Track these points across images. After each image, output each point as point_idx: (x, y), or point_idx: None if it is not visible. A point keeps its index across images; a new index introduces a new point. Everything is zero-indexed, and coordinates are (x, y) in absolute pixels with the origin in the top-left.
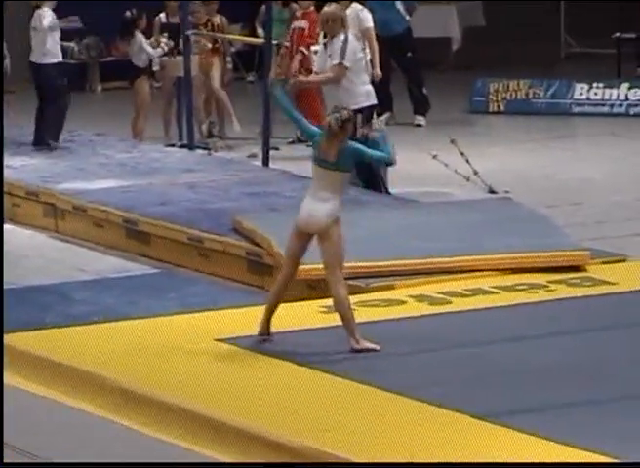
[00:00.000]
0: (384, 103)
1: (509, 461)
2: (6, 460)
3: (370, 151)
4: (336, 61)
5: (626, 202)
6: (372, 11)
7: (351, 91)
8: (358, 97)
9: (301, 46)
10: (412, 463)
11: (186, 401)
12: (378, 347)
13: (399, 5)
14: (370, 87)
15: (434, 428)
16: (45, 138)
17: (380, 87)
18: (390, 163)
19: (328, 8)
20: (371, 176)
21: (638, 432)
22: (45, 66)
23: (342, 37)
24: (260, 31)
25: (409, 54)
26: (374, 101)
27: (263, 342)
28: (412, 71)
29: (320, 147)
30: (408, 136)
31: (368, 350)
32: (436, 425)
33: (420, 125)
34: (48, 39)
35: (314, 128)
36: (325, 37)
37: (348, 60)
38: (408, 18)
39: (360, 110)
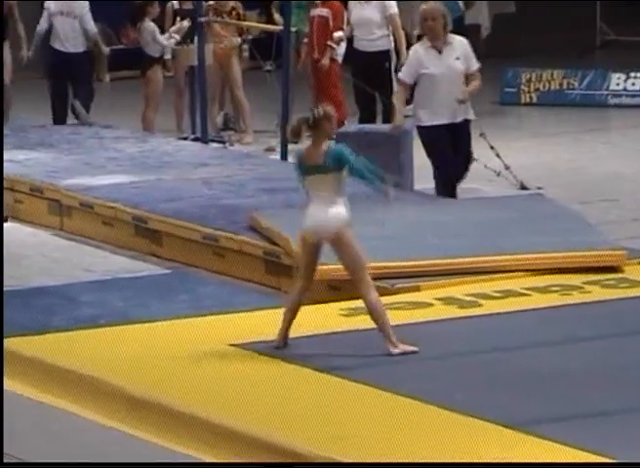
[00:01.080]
0: None
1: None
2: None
3: (353, 160)
4: (476, 67)
5: None
6: None
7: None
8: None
9: (328, 40)
10: (412, 463)
11: (199, 409)
12: (416, 348)
13: None
14: None
15: (454, 436)
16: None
17: None
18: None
19: (428, 4)
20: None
21: None
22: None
23: (461, 38)
24: (277, 17)
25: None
26: None
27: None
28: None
29: (305, 156)
30: None
31: (406, 353)
32: (457, 433)
33: None
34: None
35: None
36: (419, 38)
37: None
38: (463, 8)
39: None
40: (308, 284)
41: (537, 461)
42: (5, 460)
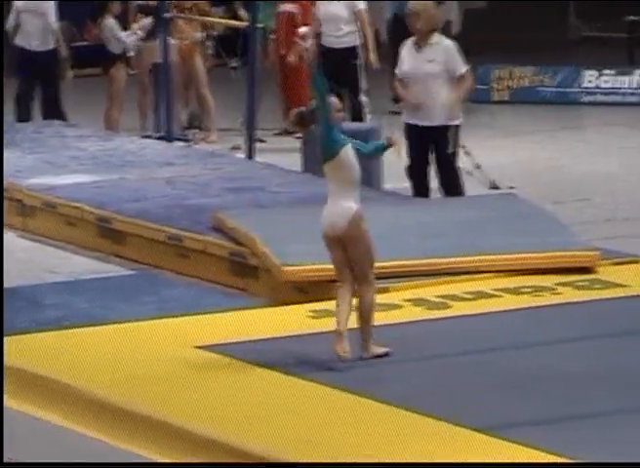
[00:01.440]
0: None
1: None
2: None
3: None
4: (461, 71)
5: (639, 198)
6: None
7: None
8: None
9: (296, 37)
10: (410, 463)
11: (163, 412)
12: (388, 349)
13: None
14: None
15: (427, 442)
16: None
17: None
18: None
19: (417, 1)
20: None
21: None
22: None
23: (447, 42)
24: (242, 13)
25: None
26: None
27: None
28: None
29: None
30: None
31: (379, 356)
32: (430, 439)
33: None
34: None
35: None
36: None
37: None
38: None
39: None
40: (348, 277)
41: (504, 462)
42: None
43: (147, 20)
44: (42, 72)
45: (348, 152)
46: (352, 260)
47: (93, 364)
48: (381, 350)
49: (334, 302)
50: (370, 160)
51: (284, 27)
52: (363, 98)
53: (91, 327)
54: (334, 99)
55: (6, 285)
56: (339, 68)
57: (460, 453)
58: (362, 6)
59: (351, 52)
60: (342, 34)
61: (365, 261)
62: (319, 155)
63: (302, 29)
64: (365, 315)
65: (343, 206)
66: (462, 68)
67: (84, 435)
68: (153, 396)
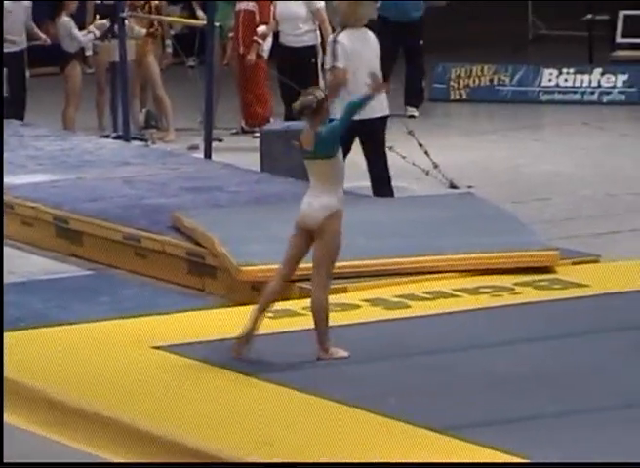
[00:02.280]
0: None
1: None
2: None
3: (346, 109)
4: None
5: (598, 197)
6: None
7: None
8: None
9: (255, 36)
10: (407, 463)
11: (119, 412)
12: (347, 354)
13: None
14: None
15: (386, 442)
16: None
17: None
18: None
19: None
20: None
21: (603, 446)
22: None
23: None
24: (199, 12)
25: (421, 42)
26: None
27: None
28: (418, 61)
29: (302, 140)
30: None
31: (336, 358)
32: (389, 439)
33: (413, 116)
34: None
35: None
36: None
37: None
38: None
39: None
40: (288, 276)
41: (460, 462)
42: None
43: (103, 22)
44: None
45: (340, 154)
46: (314, 256)
47: (48, 364)
48: (340, 353)
49: (292, 303)
50: None
51: (242, 26)
52: None
53: (46, 327)
54: None
55: None
56: (298, 67)
57: (417, 453)
58: (320, 5)
59: (310, 50)
60: (301, 33)
61: (325, 260)
62: (313, 150)
63: (261, 28)
64: (317, 315)
65: (325, 201)
66: None
67: (35, 434)
68: (109, 396)
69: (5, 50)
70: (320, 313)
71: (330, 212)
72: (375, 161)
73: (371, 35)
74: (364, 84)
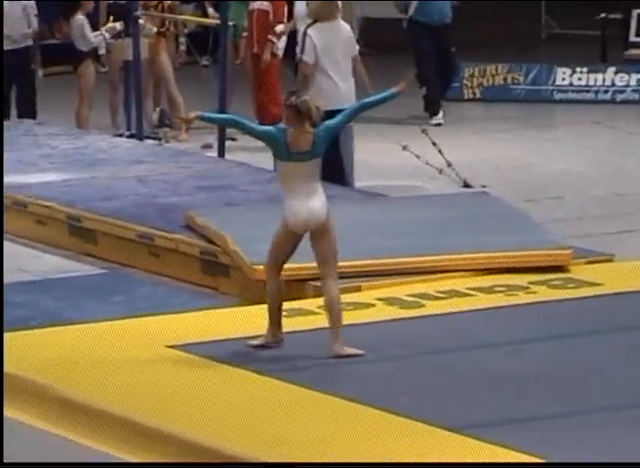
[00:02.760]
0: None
1: None
2: None
3: (340, 119)
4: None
5: (610, 196)
6: None
7: None
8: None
9: (269, 34)
10: (409, 463)
11: (134, 412)
12: (362, 352)
13: None
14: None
15: (399, 441)
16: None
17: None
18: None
19: None
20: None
21: (613, 445)
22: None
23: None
24: (210, 11)
25: (452, 49)
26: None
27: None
28: (450, 66)
29: (290, 141)
30: (375, 126)
31: (352, 356)
32: (401, 438)
33: (439, 124)
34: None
35: (264, 127)
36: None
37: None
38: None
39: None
40: (280, 279)
41: (474, 462)
42: None
43: (114, 25)
44: (16, 70)
45: None
46: (322, 254)
47: (60, 363)
48: (355, 351)
49: (306, 302)
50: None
51: (256, 25)
52: None
53: (59, 326)
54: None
55: None
56: None
57: (431, 453)
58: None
59: None
60: None
61: (334, 255)
62: (310, 151)
63: (279, 27)
64: (336, 311)
65: (322, 199)
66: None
67: (47, 432)
68: (123, 395)
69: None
70: (339, 307)
71: (327, 208)
72: None
73: (344, 28)
74: (331, 76)
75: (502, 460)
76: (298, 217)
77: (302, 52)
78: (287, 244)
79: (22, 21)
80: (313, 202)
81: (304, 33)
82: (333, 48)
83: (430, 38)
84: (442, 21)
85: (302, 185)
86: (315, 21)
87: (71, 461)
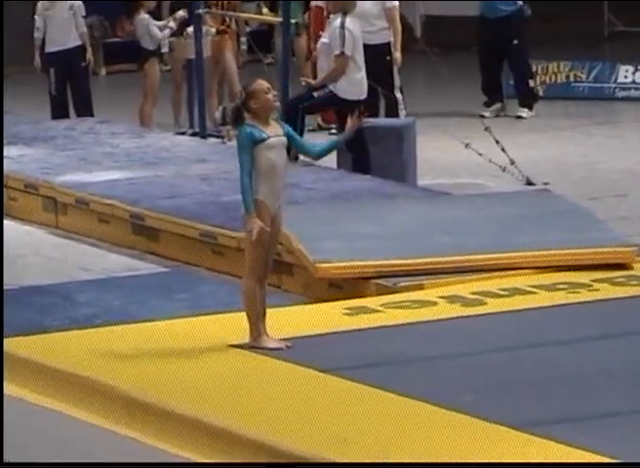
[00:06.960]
0: (493, 93)
1: None
2: None
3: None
4: (337, 51)
5: None
6: None
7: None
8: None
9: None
10: (413, 463)
11: (197, 411)
12: (283, 346)
13: None
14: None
15: (463, 438)
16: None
17: (489, 75)
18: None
19: None
20: (361, 151)
21: None
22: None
23: (339, 21)
24: (265, 11)
25: (515, 41)
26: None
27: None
28: (516, 60)
29: (262, 129)
30: (438, 123)
31: (269, 349)
32: (465, 435)
33: (520, 117)
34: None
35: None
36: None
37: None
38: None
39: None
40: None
41: (542, 461)
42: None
43: (181, 13)
44: (72, 69)
45: None
46: (274, 243)
47: (124, 362)
48: (274, 345)
49: (369, 299)
50: (404, 154)
51: (313, 22)
52: (397, 95)
53: (124, 324)
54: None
55: (37, 282)
56: (373, 65)
57: (497, 452)
58: (395, 4)
59: (386, 48)
60: (376, 30)
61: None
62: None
63: None
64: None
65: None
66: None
67: (116, 433)
68: (186, 394)
69: (50, 49)
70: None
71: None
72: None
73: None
74: (360, 67)
75: (570, 460)
76: (273, 209)
77: (343, 45)
78: (265, 238)
79: (69, 22)
80: (282, 185)
81: (342, 26)
82: (359, 39)
83: (491, 32)
84: (495, 15)
85: (282, 173)
86: (345, 14)
87: (138, 461)
